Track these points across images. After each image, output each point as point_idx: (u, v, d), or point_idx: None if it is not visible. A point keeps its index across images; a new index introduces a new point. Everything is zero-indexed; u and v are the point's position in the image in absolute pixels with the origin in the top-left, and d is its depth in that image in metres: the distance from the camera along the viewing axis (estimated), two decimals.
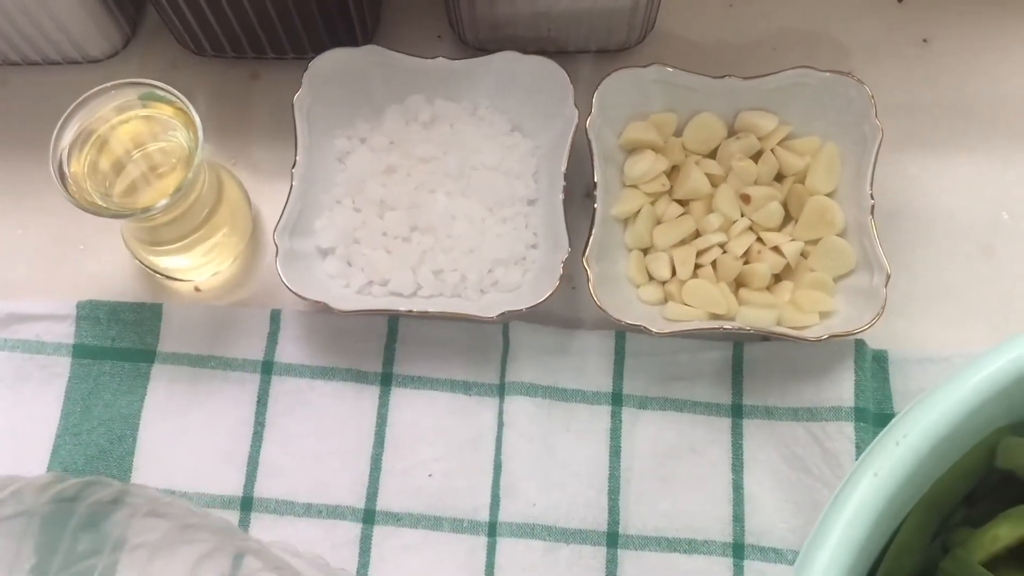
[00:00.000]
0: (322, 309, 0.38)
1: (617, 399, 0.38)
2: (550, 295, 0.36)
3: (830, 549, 0.25)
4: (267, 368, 0.39)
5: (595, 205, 0.37)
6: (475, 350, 0.39)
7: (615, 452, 0.37)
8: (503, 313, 0.36)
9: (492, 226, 0.38)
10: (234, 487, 0.37)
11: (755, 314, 0.36)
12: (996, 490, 0.29)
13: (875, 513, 0.25)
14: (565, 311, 0.40)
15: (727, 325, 0.36)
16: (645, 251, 0.39)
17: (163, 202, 0.34)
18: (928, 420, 0.26)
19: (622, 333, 0.39)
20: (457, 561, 0.36)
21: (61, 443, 0.38)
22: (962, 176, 0.41)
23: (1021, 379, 0.26)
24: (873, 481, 0.25)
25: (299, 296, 0.36)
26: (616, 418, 0.38)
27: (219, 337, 0.39)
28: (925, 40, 0.44)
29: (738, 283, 0.38)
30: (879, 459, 0.26)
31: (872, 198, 0.37)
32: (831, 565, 0.25)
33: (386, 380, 0.39)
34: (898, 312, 0.39)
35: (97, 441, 0.38)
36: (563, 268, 0.36)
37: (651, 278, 0.39)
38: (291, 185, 0.38)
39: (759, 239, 0.38)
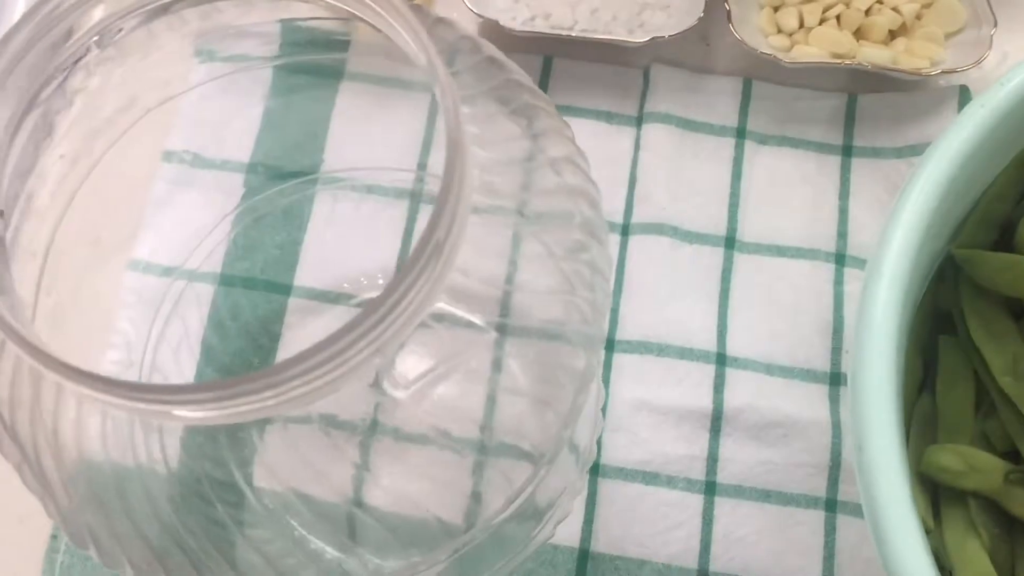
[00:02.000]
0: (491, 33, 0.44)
1: (741, 133, 0.43)
2: (694, 25, 0.41)
3: (932, 163, 0.30)
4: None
5: None
6: (619, 87, 0.44)
7: (736, 176, 0.43)
8: (651, 39, 0.42)
9: None
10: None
11: (874, 52, 0.41)
12: None
13: (979, 138, 0.30)
14: (700, 65, 0.45)
15: (847, 62, 0.41)
16: (776, 9, 0.44)
17: None
18: None
19: (749, 80, 0.44)
20: None
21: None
22: None
23: None
24: (980, 111, 0.30)
25: (478, 15, 0.42)
26: (739, 149, 0.43)
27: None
28: None
29: (858, 36, 0.43)
30: (986, 96, 0.31)
31: None
32: (930, 180, 0.30)
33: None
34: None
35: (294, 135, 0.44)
36: (703, 10, 0.42)
37: (780, 31, 0.44)
38: None
39: (879, 1, 0.43)
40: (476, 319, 0.39)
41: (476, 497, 0.39)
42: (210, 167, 0.44)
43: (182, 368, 0.40)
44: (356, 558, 0.38)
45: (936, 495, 0.30)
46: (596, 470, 0.39)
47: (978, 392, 0.31)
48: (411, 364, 0.40)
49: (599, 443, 0.39)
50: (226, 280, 0.43)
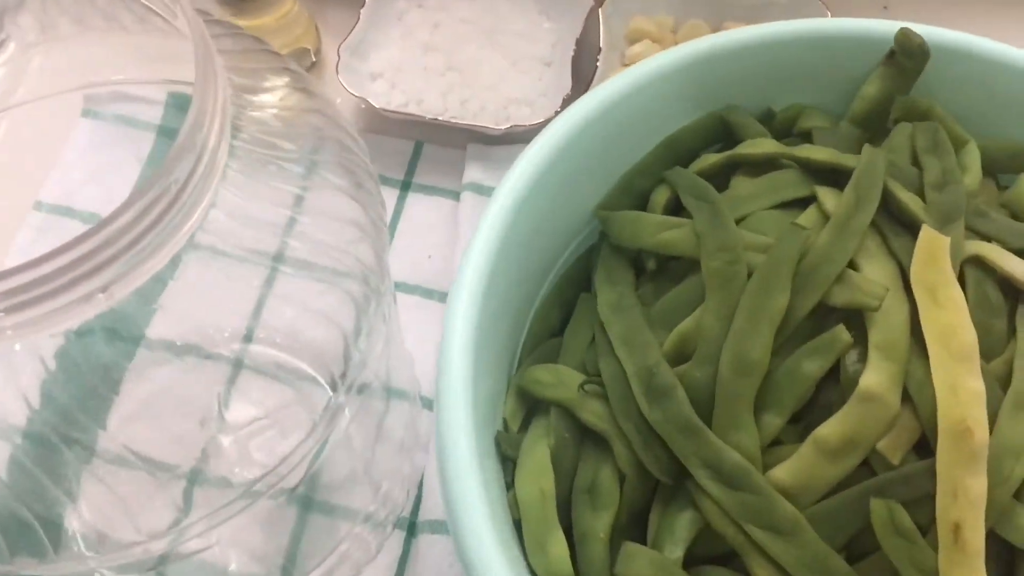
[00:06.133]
0: (364, 125, 0.46)
1: None
2: (551, 117, 0.44)
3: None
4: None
5: (597, 64, 0.46)
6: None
7: None
8: (511, 126, 0.44)
9: (513, 76, 0.47)
10: None
11: None
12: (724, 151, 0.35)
13: (565, 135, 0.33)
14: None
15: None
16: None
17: None
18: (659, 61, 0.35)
19: None
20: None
21: None
22: None
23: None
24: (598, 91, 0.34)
25: (352, 94, 0.45)
26: None
27: None
28: (885, 7, 0.53)
29: None
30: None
31: None
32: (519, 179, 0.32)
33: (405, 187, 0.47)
34: None
35: None
36: (562, 104, 0.45)
37: None
38: (358, 18, 0.47)
39: None
40: (315, 374, 0.40)
41: (292, 551, 0.39)
42: (79, 219, 0.45)
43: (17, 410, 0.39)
44: None
45: (533, 408, 0.32)
46: (411, 529, 0.38)
47: (596, 333, 0.33)
48: (240, 410, 0.40)
49: (417, 501, 0.39)
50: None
